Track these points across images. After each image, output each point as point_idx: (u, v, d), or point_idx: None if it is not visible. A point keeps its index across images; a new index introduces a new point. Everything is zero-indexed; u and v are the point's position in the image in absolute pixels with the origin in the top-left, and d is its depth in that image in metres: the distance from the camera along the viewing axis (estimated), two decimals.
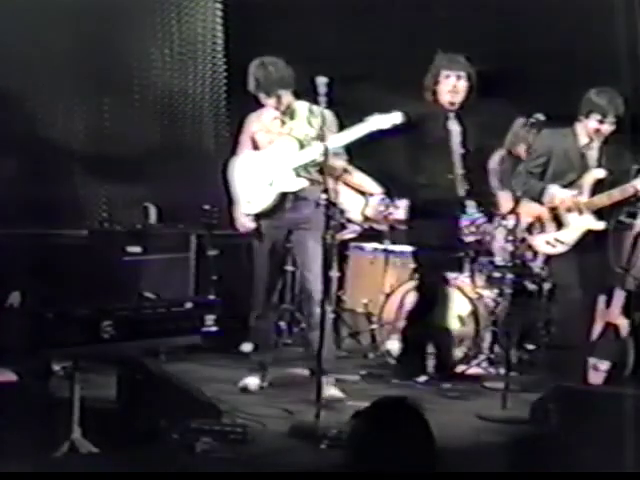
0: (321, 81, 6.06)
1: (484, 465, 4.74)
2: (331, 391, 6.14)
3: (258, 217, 6.33)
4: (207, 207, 7.40)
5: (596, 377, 6.41)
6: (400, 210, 7.50)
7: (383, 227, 7.63)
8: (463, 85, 6.61)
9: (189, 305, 5.23)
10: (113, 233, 7.36)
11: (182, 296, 6.90)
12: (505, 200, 6.99)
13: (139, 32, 7.83)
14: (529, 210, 6.40)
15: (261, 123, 6.39)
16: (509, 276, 6.92)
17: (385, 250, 7.60)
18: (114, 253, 7.08)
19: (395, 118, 6.16)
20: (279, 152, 6.25)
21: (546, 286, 7.13)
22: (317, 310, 6.06)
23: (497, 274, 7.11)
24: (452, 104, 6.62)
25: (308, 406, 5.65)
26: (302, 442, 5.26)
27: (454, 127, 6.67)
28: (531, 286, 7.13)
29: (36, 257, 6.63)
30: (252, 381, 6.38)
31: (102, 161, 7.52)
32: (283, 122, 6.31)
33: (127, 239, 7.21)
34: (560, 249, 6.25)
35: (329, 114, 6.20)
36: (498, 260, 7.14)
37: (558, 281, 6.44)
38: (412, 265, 7.33)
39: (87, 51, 7.32)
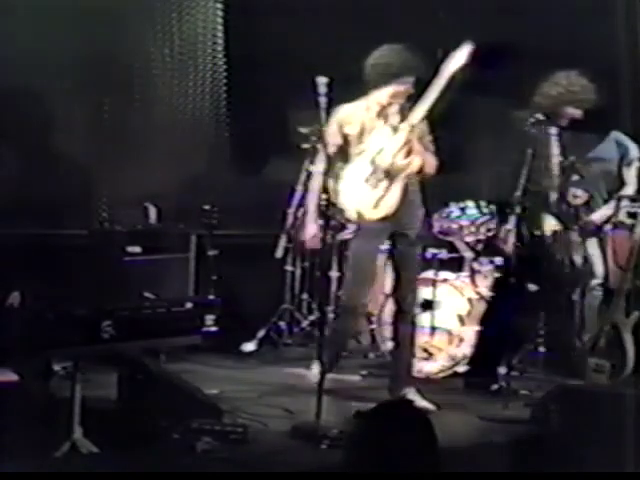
0: (321, 81, 6.05)
1: (484, 465, 4.74)
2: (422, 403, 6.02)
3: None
4: (207, 207, 7.39)
5: (596, 377, 6.42)
6: None
7: None
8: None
9: (189, 305, 5.23)
10: (113, 233, 7.35)
11: (182, 296, 6.90)
12: None
13: (139, 32, 7.83)
14: None
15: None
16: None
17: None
18: (114, 253, 7.08)
19: (465, 51, 5.93)
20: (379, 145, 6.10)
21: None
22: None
23: (497, 274, 7.11)
24: None
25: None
26: (303, 442, 5.26)
27: None
28: (531, 286, 7.14)
29: (36, 257, 6.62)
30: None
31: (102, 161, 7.52)
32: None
33: (127, 239, 7.20)
34: None
35: None
36: (498, 260, 7.15)
37: None
38: None
39: (87, 51, 7.32)
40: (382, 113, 6.13)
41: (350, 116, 6.15)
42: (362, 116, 6.15)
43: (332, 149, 6.07)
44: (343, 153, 6.14)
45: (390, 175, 6.02)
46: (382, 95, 6.10)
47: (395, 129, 6.07)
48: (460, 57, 5.95)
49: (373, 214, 6.10)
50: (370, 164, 6.07)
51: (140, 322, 4.96)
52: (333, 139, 6.09)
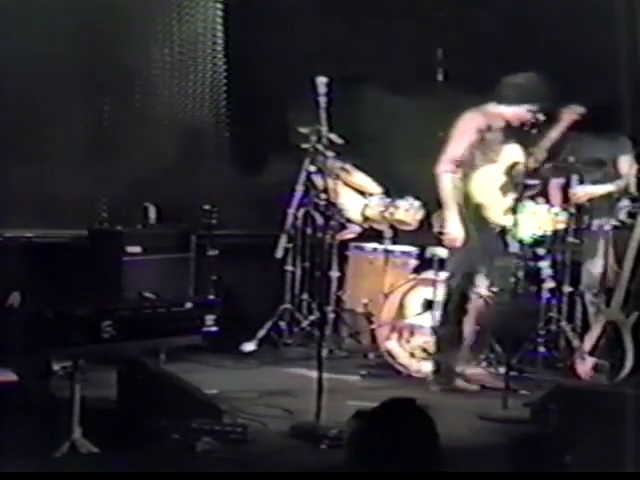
0: (321, 81, 6.06)
1: (484, 465, 4.74)
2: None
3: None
4: (207, 207, 7.39)
5: (596, 377, 6.42)
6: (400, 210, 7.51)
7: (383, 227, 7.63)
8: None
9: (189, 305, 5.23)
10: (113, 233, 7.35)
11: (182, 296, 6.89)
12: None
13: (139, 32, 7.83)
14: None
15: None
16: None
17: (385, 250, 7.61)
18: (114, 253, 7.08)
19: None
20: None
21: (546, 286, 7.15)
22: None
23: None
24: None
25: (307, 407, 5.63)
26: (302, 442, 5.26)
27: None
28: (531, 286, 7.14)
29: (36, 257, 6.62)
30: None
31: (102, 161, 7.52)
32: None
33: (127, 239, 7.20)
34: None
35: None
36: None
37: None
38: (412, 265, 7.40)
39: (87, 51, 7.32)
40: (506, 129, 6.31)
41: (489, 123, 6.26)
42: (495, 125, 6.29)
43: (464, 147, 6.20)
44: (473, 155, 6.25)
45: (518, 190, 6.23)
46: (512, 113, 6.26)
47: (528, 150, 6.30)
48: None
49: (500, 220, 6.39)
50: (504, 174, 6.30)
51: (140, 322, 4.96)
52: (470, 135, 6.20)
